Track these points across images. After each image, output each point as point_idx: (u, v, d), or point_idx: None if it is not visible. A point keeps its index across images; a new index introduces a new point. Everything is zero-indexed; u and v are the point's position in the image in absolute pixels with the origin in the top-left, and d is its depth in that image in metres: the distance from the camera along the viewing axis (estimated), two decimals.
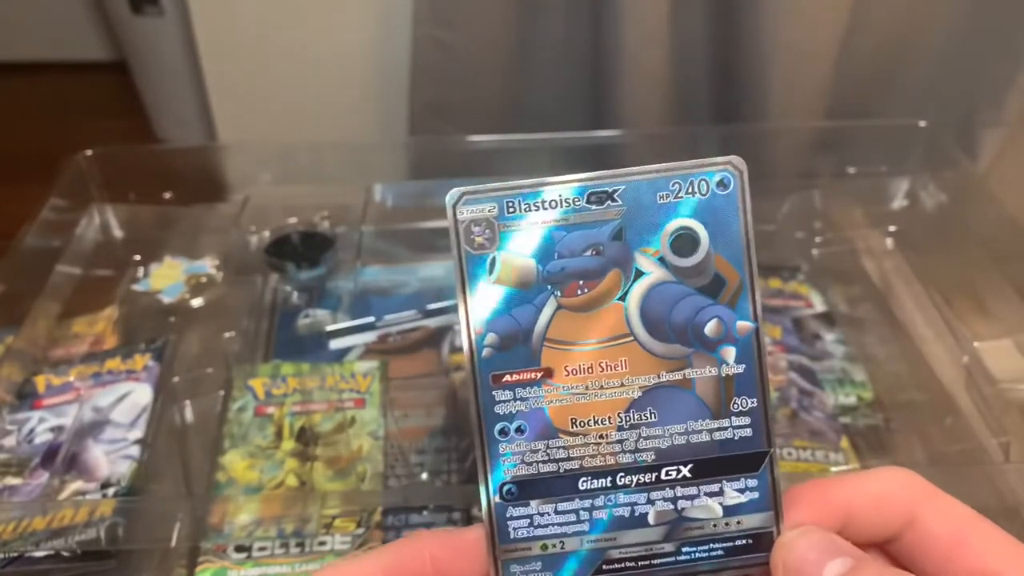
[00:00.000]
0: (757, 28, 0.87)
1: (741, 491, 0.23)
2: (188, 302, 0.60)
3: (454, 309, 0.60)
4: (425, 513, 0.45)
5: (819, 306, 0.61)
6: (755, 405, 0.23)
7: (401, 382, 0.55)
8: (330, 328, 0.59)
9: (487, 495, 0.23)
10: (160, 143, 1.46)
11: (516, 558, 0.23)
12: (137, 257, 0.64)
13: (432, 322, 0.59)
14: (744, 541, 0.23)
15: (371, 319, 0.59)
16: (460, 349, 0.56)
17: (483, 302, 0.22)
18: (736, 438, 0.23)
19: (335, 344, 0.58)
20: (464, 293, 0.22)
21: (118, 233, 0.66)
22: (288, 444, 0.49)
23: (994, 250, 0.58)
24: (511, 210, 0.22)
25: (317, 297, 0.62)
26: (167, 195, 0.66)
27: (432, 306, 0.60)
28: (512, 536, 0.23)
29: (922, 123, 0.68)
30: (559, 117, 0.99)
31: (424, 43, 0.93)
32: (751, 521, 0.23)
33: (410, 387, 0.55)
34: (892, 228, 0.67)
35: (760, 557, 0.23)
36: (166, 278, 0.62)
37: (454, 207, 0.22)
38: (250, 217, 0.65)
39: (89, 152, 0.64)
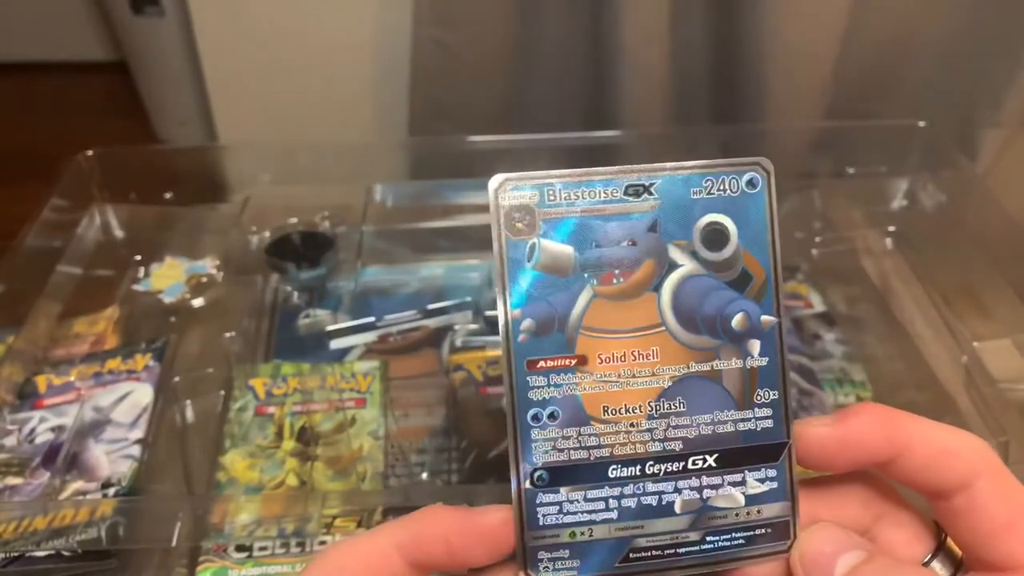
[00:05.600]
0: (757, 28, 0.87)
1: (762, 481, 0.23)
2: (189, 302, 0.60)
3: (454, 309, 0.60)
4: None
5: (818, 306, 0.61)
6: (777, 397, 0.23)
7: (401, 382, 0.55)
8: (330, 328, 0.59)
9: (518, 481, 0.23)
10: (160, 143, 1.46)
11: (545, 545, 0.23)
12: (138, 257, 0.64)
13: (432, 322, 0.59)
14: (764, 530, 0.23)
15: (371, 319, 0.59)
16: (461, 349, 0.56)
17: (521, 288, 0.23)
18: (759, 429, 0.23)
19: (335, 344, 0.58)
20: (503, 278, 0.23)
21: (119, 233, 0.66)
22: (288, 444, 0.49)
23: (993, 250, 0.58)
24: (552, 198, 0.23)
25: (317, 297, 0.62)
26: (167, 195, 0.66)
27: (432, 306, 0.60)
28: (541, 523, 0.23)
29: (921, 123, 0.68)
30: (559, 117, 0.99)
31: (424, 43, 0.93)
32: (770, 510, 0.23)
33: (410, 387, 0.55)
34: (891, 228, 0.67)
35: (778, 546, 0.23)
36: (167, 278, 0.62)
37: (496, 192, 0.23)
38: (250, 217, 0.66)
39: (89, 152, 0.64)
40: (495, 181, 0.22)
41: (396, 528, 0.23)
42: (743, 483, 0.23)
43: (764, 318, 0.23)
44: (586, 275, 0.23)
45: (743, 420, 0.23)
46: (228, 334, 0.56)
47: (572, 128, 0.94)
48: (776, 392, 0.23)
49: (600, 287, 0.23)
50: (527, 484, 0.23)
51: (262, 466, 0.48)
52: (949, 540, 0.23)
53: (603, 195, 0.23)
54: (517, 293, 0.23)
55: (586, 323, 0.23)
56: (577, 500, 0.23)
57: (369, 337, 0.59)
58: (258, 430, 0.50)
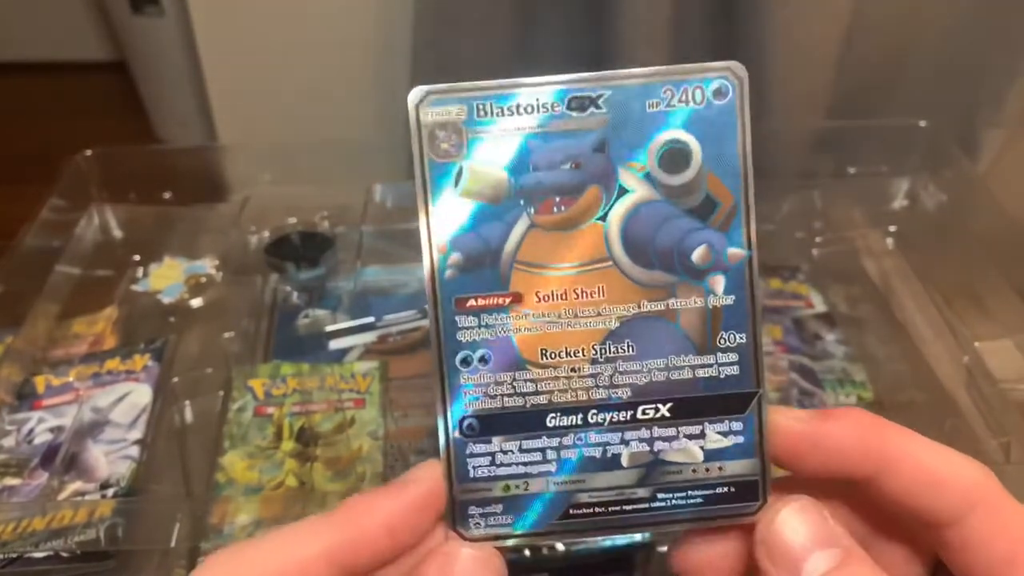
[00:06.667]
0: (757, 28, 0.87)
1: (724, 434, 0.21)
2: (188, 302, 0.60)
3: None
4: None
5: (819, 306, 0.61)
6: (744, 341, 0.21)
7: (401, 382, 0.55)
8: (330, 328, 0.58)
9: (446, 430, 0.21)
10: (160, 143, 1.46)
11: (476, 499, 0.21)
12: (137, 257, 0.64)
13: None
14: (725, 489, 0.21)
15: (371, 319, 0.59)
16: None
17: (447, 217, 0.20)
18: (722, 376, 0.21)
19: (335, 344, 0.58)
20: (426, 206, 0.20)
21: (118, 233, 0.66)
22: (288, 444, 0.49)
23: (994, 250, 0.58)
24: (482, 114, 0.20)
25: (317, 297, 0.62)
26: (167, 195, 0.66)
27: None
28: (472, 475, 0.21)
29: (922, 123, 0.68)
30: None
31: (424, 43, 0.93)
32: (734, 468, 0.21)
33: (410, 387, 0.55)
34: (892, 228, 0.67)
35: (741, 508, 0.21)
36: (166, 278, 0.62)
37: (417, 108, 0.20)
38: (250, 217, 0.65)
39: (89, 152, 0.64)
40: (415, 94, 0.20)
41: (325, 532, 0.19)
42: (702, 436, 0.21)
43: (731, 251, 0.20)
44: (522, 202, 0.20)
45: (703, 366, 0.21)
46: (227, 334, 0.56)
47: None
48: (744, 335, 0.20)
49: (538, 216, 0.20)
50: (456, 433, 0.21)
51: (261, 467, 0.48)
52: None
53: (542, 110, 0.20)
54: (442, 224, 0.20)
55: (521, 257, 0.20)
56: (511, 451, 0.21)
57: (368, 337, 0.58)
58: (257, 431, 0.50)
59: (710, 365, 0.21)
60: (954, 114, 0.94)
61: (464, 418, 0.21)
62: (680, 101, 0.20)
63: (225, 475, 0.47)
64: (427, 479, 0.21)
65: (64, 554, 0.41)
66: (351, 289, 0.62)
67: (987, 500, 0.19)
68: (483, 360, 0.21)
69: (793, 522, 0.20)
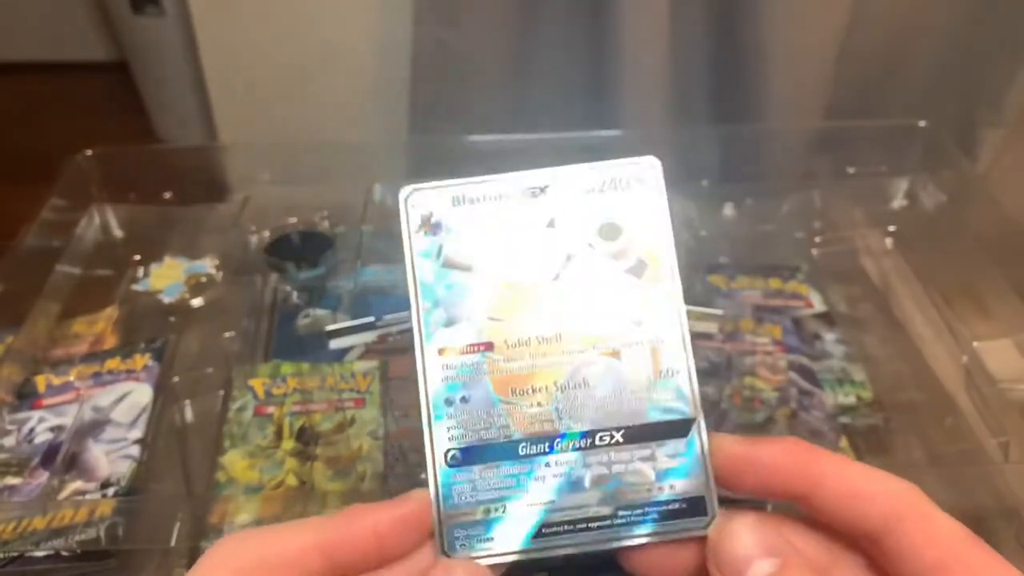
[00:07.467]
0: (757, 28, 0.87)
1: (672, 456, 0.24)
2: (188, 302, 0.60)
3: None
4: None
5: (819, 306, 0.61)
6: (681, 374, 0.25)
7: (401, 382, 0.55)
8: (330, 328, 0.58)
9: (433, 462, 0.24)
10: (160, 143, 1.46)
11: (460, 522, 0.24)
12: (137, 257, 0.64)
13: None
14: (678, 505, 0.24)
15: (371, 319, 0.59)
16: None
17: (430, 283, 0.25)
18: (664, 405, 0.24)
19: (335, 344, 0.58)
20: (413, 275, 0.25)
21: (118, 233, 0.66)
22: (288, 444, 0.49)
23: (993, 250, 0.58)
24: (457, 202, 0.26)
25: (317, 297, 0.62)
26: (167, 195, 0.66)
27: None
28: (456, 501, 0.24)
29: (922, 123, 0.68)
30: (559, 117, 0.99)
31: (424, 43, 0.93)
32: (683, 486, 0.24)
33: (410, 387, 0.54)
34: (891, 228, 0.67)
35: (694, 522, 0.24)
36: (166, 278, 0.62)
37: (406, 200, 0.26)
38: (250, 217, 0.65)
39: (89, 152, 0.64)
40: (405, 191, 0.26)
41: (321, 528, 0.22)
42: (652, 458, 0.24)
43: (663, 302, 0.25)
44: (491, 269, 0.25)
45: (648, 397, 0.24)
46: (227, 334, 0.56)
47: (572, 128, 0.94)
48: (680, 369, 0.24)
49: (504, 279, 0.25)
50: (442, 464, 0.24)
51: (261, 466, 0.48)
52: None
53: (505, 197, 0.26)
54: (427, 288, 0.25)
55: (492, 313, 0.25)
56: (489, 478, 0.24)
57: (369, 337, 0.58)
58: (257, 430, 0.50)
59: (653, 396, 0.25)
60: (954, 114, 0.94)
61: (448, 450, 0.24)
62: (611, 187, 0.26)
63: (225, 474, 0.47)
64: (417, 499, 0.24)
65: (65, 553, 0.41)
66: (351, 289, 0.62)
67: (914, 511, 0.21)
68: (464, 400, 0.25)
69: (740, 533, 0.22)
